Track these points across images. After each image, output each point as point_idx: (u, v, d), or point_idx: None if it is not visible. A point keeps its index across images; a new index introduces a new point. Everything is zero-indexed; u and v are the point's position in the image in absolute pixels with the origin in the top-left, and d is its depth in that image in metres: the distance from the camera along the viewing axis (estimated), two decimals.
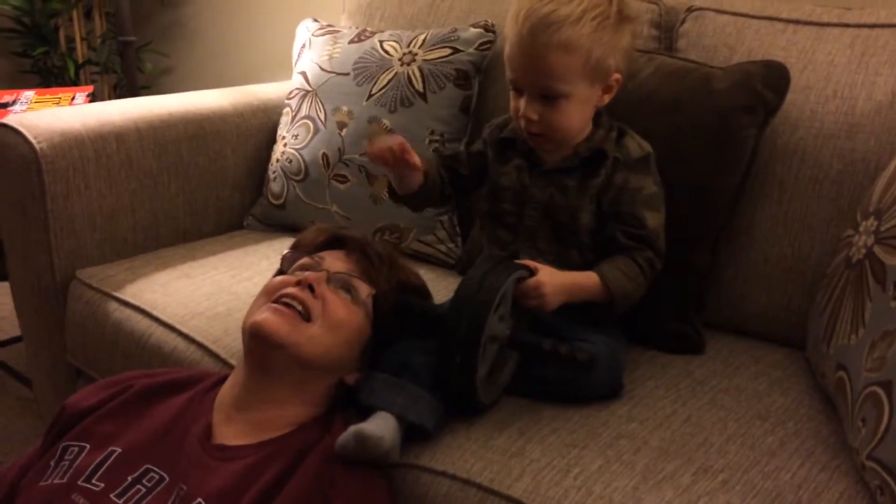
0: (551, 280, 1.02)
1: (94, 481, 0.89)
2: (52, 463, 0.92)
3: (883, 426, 0.83)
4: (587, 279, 1.06)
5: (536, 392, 1.04)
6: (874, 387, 0.86)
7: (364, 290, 0.99)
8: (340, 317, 0.94)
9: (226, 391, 0.96)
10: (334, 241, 1.05)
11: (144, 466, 0.90)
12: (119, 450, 0.91)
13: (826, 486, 0.88)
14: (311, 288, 0.93)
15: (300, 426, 0.93)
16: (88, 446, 0.93)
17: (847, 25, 1.22)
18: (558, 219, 1.10)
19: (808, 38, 1.24)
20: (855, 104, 1.16)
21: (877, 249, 0.95)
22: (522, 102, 1.05)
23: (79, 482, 0.88)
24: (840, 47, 1.21)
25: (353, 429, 0.90)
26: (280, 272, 1.05)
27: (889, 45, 1.17)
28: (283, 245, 1.26)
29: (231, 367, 1.11)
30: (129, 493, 0.87)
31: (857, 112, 1.16)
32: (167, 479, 0.88)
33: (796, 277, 1.18)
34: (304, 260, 1.01)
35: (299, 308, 0.92)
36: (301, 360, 0.92)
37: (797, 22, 1.26)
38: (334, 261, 1.00)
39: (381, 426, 0.92)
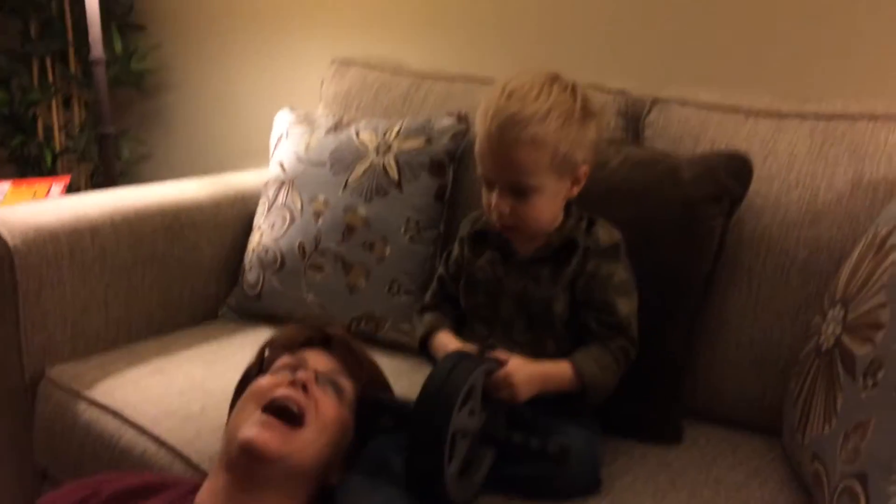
0: (521, 370, 1.02)
1: None
2: None
3: None
4: (559, 369, 1.06)
5: (514, 490, 1.03)
6: (850, 480, 0.86)
7: (348, 387, 0.98)
8: (331, 417, 0.94)
9: (204, 500, 0.93)
10: (315, 339, 1.05)
11: None
12: None
13: None
14: (304, 387, 0.93)
15: None
16: None
17: (806, 116, 1.26)
18: (533, 309, 1.11)
19: (769, 128, 1.28)
20: (817, 193, 1.19)
21: (845, 338, 0.97)
22: (494, 196, 1.08)
23: None
24: (800, 137, 1.25)
25: None
26: (258, 367, 1.04)
27: (847, 135, 1.21)
28: (258, 336, 1.25)
29: (203, 472, 1.08)
30: None
31: (820, 201, 1.19)
32: None
33: (769, 364, 1.19)
34: (286, 359, 1.00)
35: (294, 409, 0.90)
36: (293, 469, 0.90)
37: (758, 113, 1.30)
38: (317, 359, 1.00)
39: None
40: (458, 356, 1.01)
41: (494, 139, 1.05)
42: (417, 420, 0.95)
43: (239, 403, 0.95)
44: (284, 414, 0.89)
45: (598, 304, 1.09)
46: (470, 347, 1.08)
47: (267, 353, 1.05)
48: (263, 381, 0.96)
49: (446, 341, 1.15)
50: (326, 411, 0.93)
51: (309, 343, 1.04)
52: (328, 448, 0.93)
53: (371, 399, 1.03)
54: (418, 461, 0.94)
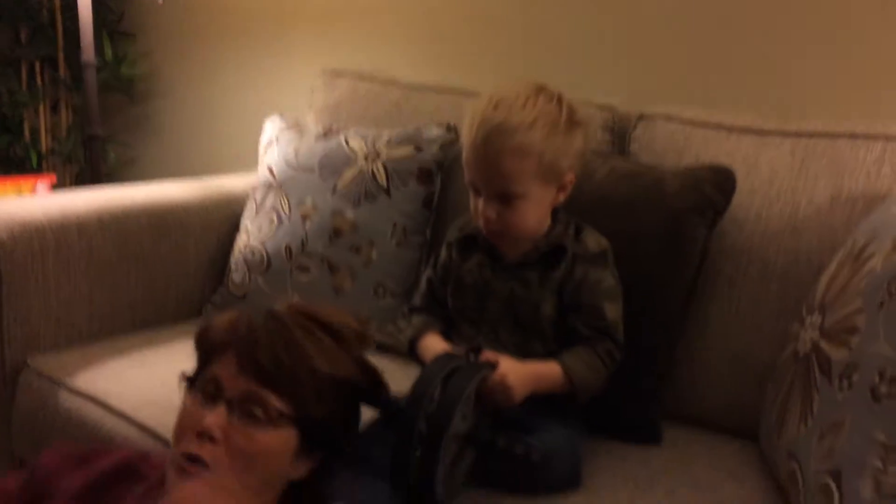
0: (515, 371, 1.03)
1: None
2: None
3: None
4: (549, 370, 1.08)
5: (495, 485, 1.04)
6: (824, 477, 0.88)
7: (273, 402, 0.88)
8: (249, 454, 0.87)
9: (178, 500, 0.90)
10: (240, 342, 0.90)
11: None
12: None
13: None
14: (211, 438, 0.86)
15: None
16: None
17: (787, 134, 1.30)
18: (520, 311, 1.13)
19: (752, 144, 1.31)
20: (798, 207, 1.23)
21: (822, 343, 0.99)
22: (481, 203, 1.10)
23: None
24: (781, 154, 1.28)
25: None
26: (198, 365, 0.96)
27: (827, 152, 1.25)
28: None
29: None
30: None
31: (800, 214, 1.22)
32: None
33: (747, 371, 1.21)
34: (205, 379, 0.91)
35: (205, 462, 0.86)
36: (224, 499, 0.88)
37: (741, 130, 1.34)
38: (232, 377, 0.88)
39: None
40: (449, 359, 1.02)
41: (481, 148, 1.08)
42: (411, 421, 0.95)
43: (178, 421, 0.91)
44: (199, 460, 0.86)
45: (587, 308, 1.11)
46: (458, 350, 1.09)
47: (187, 379, 0.94)
48: (182, 417, 0.90)
49: (435, 344, 1.16)
50: (242, 450, 0.87)
51: (236, 345, 0.91)
52: (259, 474, 0.89)
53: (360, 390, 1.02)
54: (409, 460, 0.95)
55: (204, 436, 0.86)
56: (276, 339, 0.89)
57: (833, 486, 0.86)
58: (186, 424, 0.89)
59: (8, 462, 1.41)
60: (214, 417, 0.86)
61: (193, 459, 0.86)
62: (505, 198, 1.09)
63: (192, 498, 0.86)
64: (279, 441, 0.89)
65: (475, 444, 1.02)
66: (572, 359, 1.09)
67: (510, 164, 1.06)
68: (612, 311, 1.12)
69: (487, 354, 1.06)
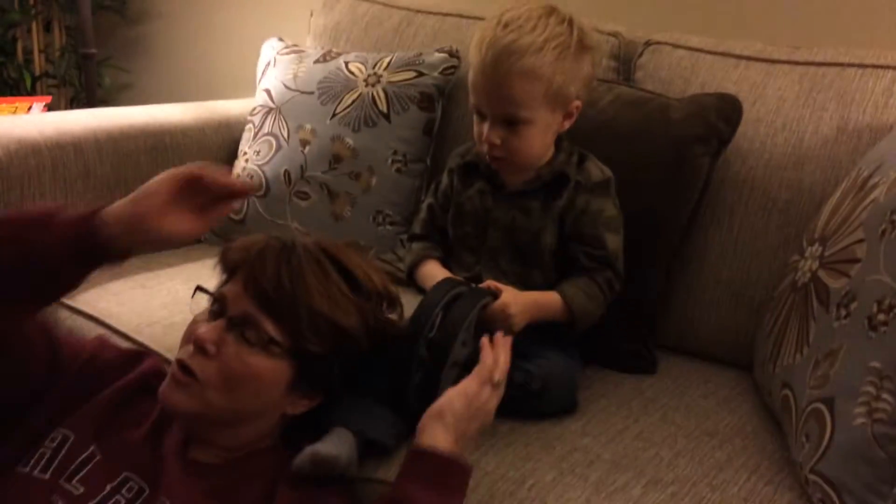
0: (516, 300, 1.04)
1: (74, 482, 0.85)
2: (42, 448, 0.88)
3: (825, 441, 0.86)
4: (549, 299, 1.08)
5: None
6: (817, 403, 0.90)
7: (268, 328, 0.88)
8: (237, 375, 0.87)
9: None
10: (251, 265, 0.91)
11: (123, 475, 0.87)
12: (99, 456, 0.88)
13: (771, 499, 0.90)
14: (204, 350, 0.87)
15: (259, 451, 0.93)
16: (73, 437, 0.89)
17: (796, 63, 1.28)
18: (521, 240, 1.12)
19: (759, 73, 1.29)
20: (803, 137, 1.22)
21: (821, 273, 0.99)
22: (485, 127, 1.08)
23: (60, 481, 0.85)
24: (789, 83, 1.26)
25: (308, 450, 0.90)
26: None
27: (835, 82, 1.23)
28: None
29: None
30: None
31: (805, 145, 1.21)
32: (147, 490, 0.86)
33: (744, 301, 1.22)
34: (209, 304, 0.93)
35: (195, 373, 0.87)
36: (212, 421, 0.89)
37: (749, 58, 1.32)
38: (237, 297, 0.89)
39: (336, 444, 0.92)
40: (452, 284, 1.02)
41: (489, 70, 1.05)
42: (413, 346, 0.95)
43: (185, 332, 0.93)
44: (189, 371, 0.88)
45: (588, 238, 1.11)
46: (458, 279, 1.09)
47: (198, 293, 0.95)
48: (189, 328, 0.92)
49: (435, 271, 1.16)
50: (232, 369, 0.87)
51: (245, 267, 0.92)
52: (248, 400, 0.89)
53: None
54: (409, 384, 0.96)
55: (198, 347, 0.87)
56: (282, 268, 0.89)
57: (826, 411, 0.88)
58: (188, 334, 0.91)
59: None
60: (209, 331, 0.87)
61: (185, 369, 0.87)
62: (510, 123, 1.07)
63: (175, 408, 0.88)
64: (269, 369, 0.89)
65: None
66: (572, 289, 1.09)
67: (518, 87, 1.04)
68: (613, 241, 1.11)
69: (489, 283, 1.06)
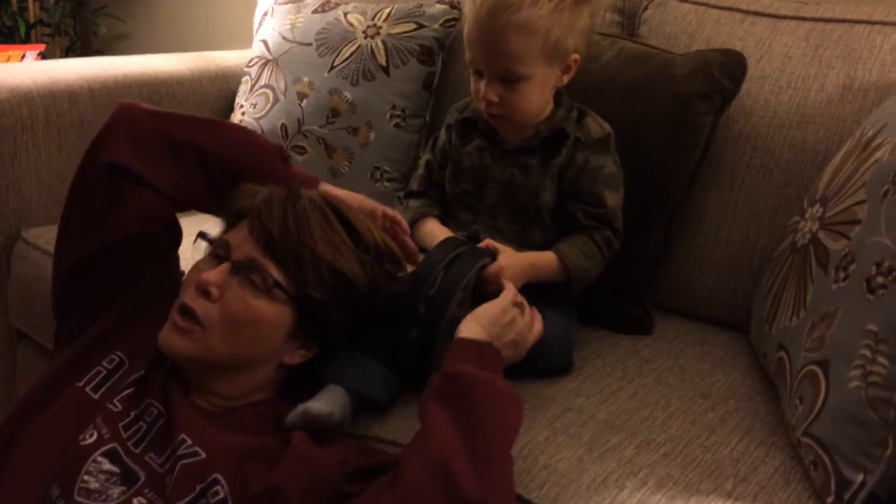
0: (511, 263, 1.03)
1: (115, 401, 0.90)
2: (99, 367, 0.93)
3: (819, 403, 0.86)
4: (546, 260, 1.07)
5: None
6: (812, 366, 0.89)
7: (272, 272, 0.89)
8: (239, 318, 0.89)
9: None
10: (258, 211, 0.92)
11: (147, 401, 0.91)
12: (136, 386, 0.92)
13: (763, 460, 0.90)
14: (208, 292, 0.89)
15: (257, 403, 0.94)
16: (127, 364, 0.93)
17: (803, 19, 1.25)
18: (519, 198, 1.11)
19: (766, 29, 1.26)
20: (807, 95, 1.19)
21: (821, 235, 0.98)
22: (482, 84, 1.06)
23: (106, 403, 0.90)
24: (795, 39, 1.24)
25: (300, 408, 0.90)
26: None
27: (842, 39, 1.20)
28: None
29: None
30: (133, 429, 0.89)
31: (809, 103, 1.19)
32: (164, 416, 0.89)
33: (743, 262, 1.21)
34: (217, 243, 0.94)
35: (198, 316, 0.88)
36: (212, 366, 0.90)
37: (755, 13, 1.29)
38: (241, 242, 0.91)
39: (329, 402, 0.92)
40: (455, 243, 1.01)
41: (484, 24, 1.02)
42: (411, 304, 0.95)
43: (186, 276, 0.94)
44: (191, 314, 0.89)
45: (586, 195, 1.09)
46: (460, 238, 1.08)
47: (203, 236, 0.96)
48: (191, 271, 0.93)
49: (435, 230, 1.15)
50: (233, 312, 0.88)
51: (250, 213, 0.93)
52: (248, 345, 0.90)
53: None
54: (406, 341, 0.96)
55: (201, 290, 0.89)
56: (287, 214, 0.90)
57: (821, 373, 0.87)
58: (190, 278, 0.92)
59: (6, 333, 1.42)
60: (214, 274, 0.89)
61: (187, 312, 0.88)
62: (508, 79, 1.04)
63: (175, 352, 0.89)
64: (271, 312, 0.90)
65: None
66: (569, 248, 1.08)
67: (515, 41, 1.02)
68: (612, 198, 1.10)
69: (488, 242, 1.05)
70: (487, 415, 0.82)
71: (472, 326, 0.93)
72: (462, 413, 0.81)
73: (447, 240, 1.04)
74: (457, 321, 0.98)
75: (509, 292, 0.98)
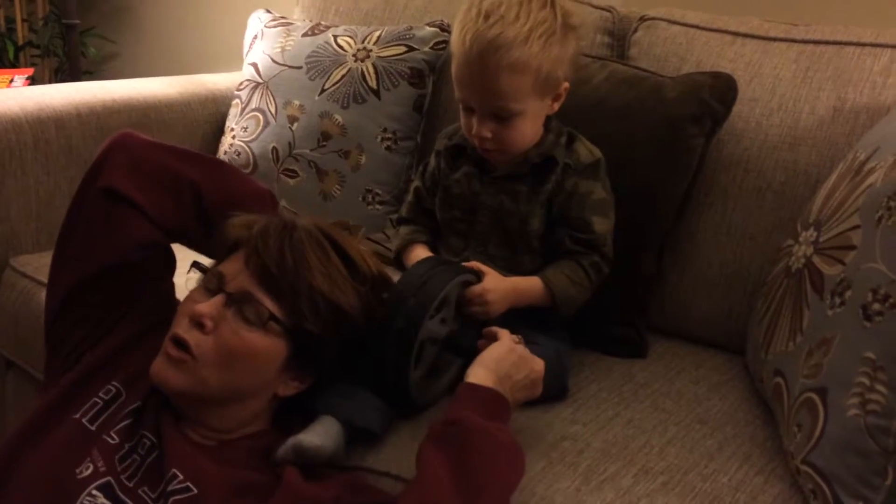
0: (496, 287, 1.02)
1: (112, 433, 0.89)
2: (96, 399, 0.92)
3: (817, 432, 0.85)
4: (531, 285, 1.07)
5: None
6: (810, 393, 0.89)
7: (268, 305, 0.88)
8: (233, 351, 0.87)
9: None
10: (252, 241, 0.91)
11: (140, 433, 0.90)
12: (133, 417, 0.91)
13: (762, 489, 0.89)
14: (201, 325, 0.88)
15: (250, 435, 0.93)
16: (124, 396, 0.92)
17: (793, 41, 1.25)
18: (509, 225, 1.10)
19: (756, 51, 1.26)
20: (798, 117, 1.19)
21: (815, 259, 0.98)
22: (475, 121, 1.05)
23: (103, 435, 0.89)
24: (785, 62, 1.24)
25: (291, 441, 0.89)
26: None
27: (832, 61, 1.21)
28: None
29: None
30: (127, 462, 0.87)
31: (801, 125, 1.19)
32: (157, 449, 0.88)
33: (737, 285, 1.20)
34: (212, 273, 0.93)
35: (191, 348, 0.87)
36: (204, 399, 0.89)
37: (745, 35, 1.29)
38: (236, 273, 0.90)
39: (321, 434, 0.91)
40: (436, 261, 1.01)
41: (475, 65, 1.01)
42: (387, 319, 0.94)
43: (179, 308, 0.93)
44: (184, 346, 0.88)
45: (574, 221, 1.09)
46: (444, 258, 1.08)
47: (195, 268, 0.96)
48: (184, 303, 0.92)
49: (422, 255, 1.14)
50: (227, 346, 0.87)
51: (246, 244, 0.92)
52: (241, 378, 0.89)
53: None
54: (384, 360, 0.94)
55: (194, 322, 0.88)
56: (284, 246, 0.89)
57: (819, 402, 0.87)
58: (183, 310, 0.91)
59: None
60: (208, 306, 0.88)
61: (181, 344, 0.87)
62: (501, 116, 1.04)
63: (168, 385, 0.88)
64: (266, 346, 0.89)
65: (459, 352, 1.01)
66: (555, 273, 1.07)
67: (507, 81, 1.01)
68: (601, 224, 1.09)
69: (474, 263, 1.05)
70: (484, 462, 0.81)
71: (478, 371, 0.91)
72: (460, 460, 0.81)
73: (428, 258, 1.04)
74: (438, 340, 0.97)
75: (505, 333, 0.96)
